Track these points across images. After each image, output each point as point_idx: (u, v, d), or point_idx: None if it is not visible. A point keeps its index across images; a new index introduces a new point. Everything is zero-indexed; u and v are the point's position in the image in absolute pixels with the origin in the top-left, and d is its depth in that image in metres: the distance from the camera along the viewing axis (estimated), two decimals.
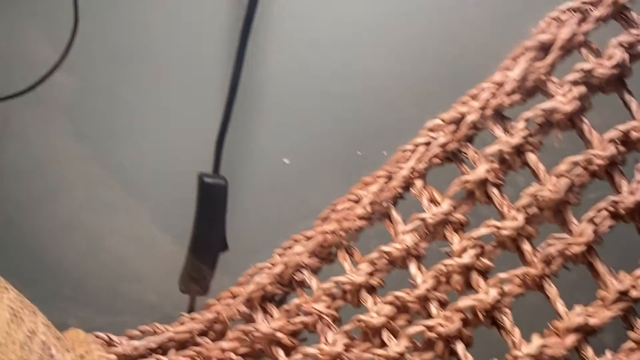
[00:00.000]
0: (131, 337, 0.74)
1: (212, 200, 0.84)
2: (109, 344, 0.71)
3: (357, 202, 0.71)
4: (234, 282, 0.78)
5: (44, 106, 0.92)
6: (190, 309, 0.86)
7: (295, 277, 0.71)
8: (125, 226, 0.95)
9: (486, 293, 0.63)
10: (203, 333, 0.73)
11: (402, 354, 0.64)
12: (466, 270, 0.65)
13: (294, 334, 0.69)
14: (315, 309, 0.68)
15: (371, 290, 0.68)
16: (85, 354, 0.63)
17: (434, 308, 0.65)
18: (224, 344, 0.70)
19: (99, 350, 0.66)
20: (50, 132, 0.94)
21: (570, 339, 0.60)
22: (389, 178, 0.71)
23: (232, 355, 0.69)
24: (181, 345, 0.72)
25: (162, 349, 0.72)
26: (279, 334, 0.69)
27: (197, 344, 0.72)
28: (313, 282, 0.70)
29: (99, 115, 0.95)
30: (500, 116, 0.68)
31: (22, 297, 0.60)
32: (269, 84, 0.93)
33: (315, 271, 0.71)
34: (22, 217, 0.92)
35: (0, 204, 0.90)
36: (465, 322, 0.64)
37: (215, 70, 0.91)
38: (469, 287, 0.65)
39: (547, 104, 0.65)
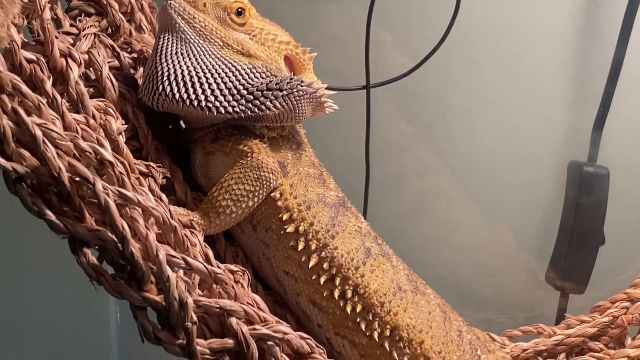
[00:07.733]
0: (510, 337, 0.70)
1: (592, 190, 0.77)
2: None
3: None
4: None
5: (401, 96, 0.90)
6: (561, 308, 0.80)
7: None
8: (476, 216, 0.91)
9: None
10: (594, 337, 0.66)
11: None
12: None
13: None
14: None
15: None
16: (489, 353, 0.59)
17: None
18: (631, 352, 0.62)
19: (500, 351, 0.62)
20: (403, 120, 0.92)
21: None
22: None
23: None
24: (571, 349, 0.66)
25: (549, 353, 0.66)
26: None
27: (588, 349, 0.66)
28: None
29: (454, 108, 0.91)
30: None
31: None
32: None
33: None
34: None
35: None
36: None
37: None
38: None
39: None
